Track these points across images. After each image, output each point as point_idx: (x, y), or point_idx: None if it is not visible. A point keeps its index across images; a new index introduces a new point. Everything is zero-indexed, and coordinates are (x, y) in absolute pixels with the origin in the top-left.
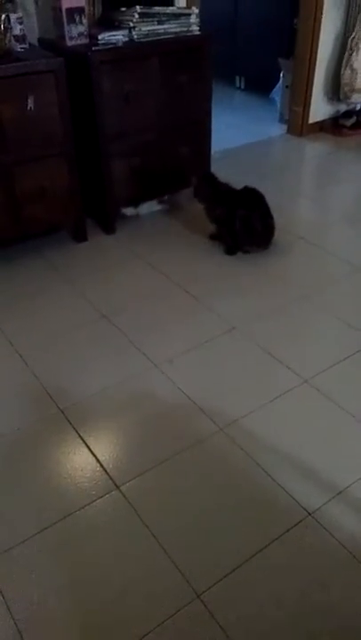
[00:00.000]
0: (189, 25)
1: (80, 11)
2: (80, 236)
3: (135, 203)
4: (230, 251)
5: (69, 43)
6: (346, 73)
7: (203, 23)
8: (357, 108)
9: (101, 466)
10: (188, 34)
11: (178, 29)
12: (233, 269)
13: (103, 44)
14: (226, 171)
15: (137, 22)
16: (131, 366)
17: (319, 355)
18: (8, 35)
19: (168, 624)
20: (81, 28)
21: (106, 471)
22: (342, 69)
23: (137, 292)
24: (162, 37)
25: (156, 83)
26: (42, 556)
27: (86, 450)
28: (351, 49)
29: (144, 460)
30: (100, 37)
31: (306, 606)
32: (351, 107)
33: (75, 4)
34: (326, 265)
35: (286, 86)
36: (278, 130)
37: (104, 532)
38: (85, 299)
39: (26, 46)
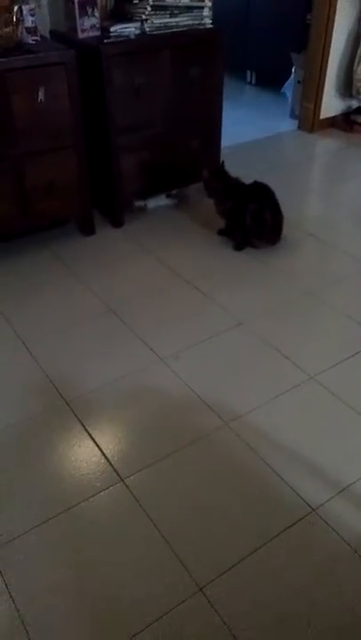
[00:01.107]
0: (202, 18)
1: (92, 3)
2: (88, 230)
3: (144, 196)
4: (239, 246)
5: (81, 35)
6: (358, 69)
7: (215, 16)
8: None
9: (106, 458)
10: (201, 27)
11: (190, 22)
12: (241, 265)
13: (115, 36)
14: (236, 165)
15: (149, 15)
16: (136, 360)
17: (326, 351)
18: (20, 26)
19: (170, 616)
20: (93, 21)
21: (110, 463)
22: (355, 65)
23: (144, 286)
24: (174, 30)
25: (167, 76)
26: (45, 546)
27: (91, 442)
28: None
29: (148, 454)
30: (112, 30)
31: (308, 601)
32: None
33: None
34: (335, 262)
35: (298, 81)
36: (289, 125)
37: (108, 524)
38: (92, 292)
39: (37, 38)
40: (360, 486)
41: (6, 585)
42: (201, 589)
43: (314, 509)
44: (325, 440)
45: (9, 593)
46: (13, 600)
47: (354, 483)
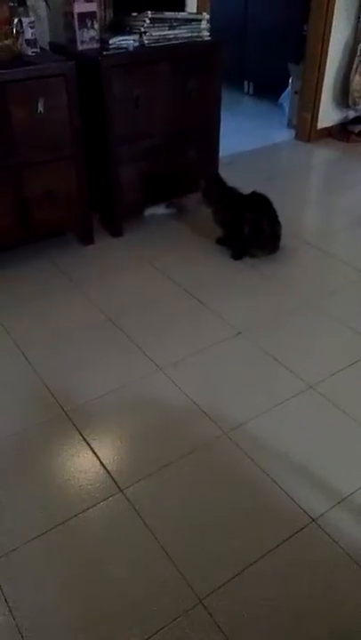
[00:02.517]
0: (200, 30)
1: (92, 15)
2: (87, 239)
3: (143, 206)
4: (237, 255)
5: (80, 47)
6: (355, 79)
7: (213, 28)
8: None
9: (105, 469)
10: (199, 39)
11: (188, 35)
12: (239, 274)
13: (114, 48)
14: (234, 175)
15: (148, 27)
16: (135, 369)
17: (325, 360)
18: (20, 38)
19: (170, 628)
20: (92, 33)
21: (109, 474)
22: (352, 75)
23: (143, 296)
24: (172, 43)
25: (165, 87)
26: (44, 557)
27: (90, 452)
28: None
29: (148, 464)
30: (110, 42)
31: (308, 612)
32: (360, 113)
33: (87, 9)
34: (333, 271)
35: (295, 92)
36: (286, 135)
37: (107, 535)
38: (91, 301)
39: (37, 50)
40: (360, 496)
41: (5, 597)
42: (201, 601)
43: (314, 519)
44: (325, 449)
45: (7, 605)
46: (11, 612)
47: (354, 492)
